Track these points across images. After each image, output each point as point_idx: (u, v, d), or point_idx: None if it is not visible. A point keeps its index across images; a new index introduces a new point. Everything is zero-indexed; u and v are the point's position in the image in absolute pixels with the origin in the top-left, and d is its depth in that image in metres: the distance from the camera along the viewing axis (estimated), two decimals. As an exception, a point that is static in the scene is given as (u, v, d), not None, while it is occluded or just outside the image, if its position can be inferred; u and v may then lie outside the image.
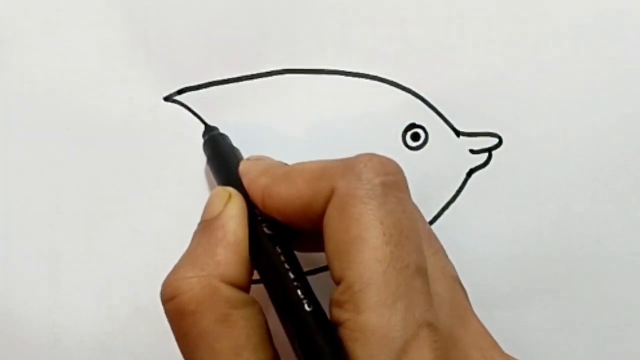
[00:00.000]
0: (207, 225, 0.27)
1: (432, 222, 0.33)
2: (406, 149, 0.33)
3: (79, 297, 0.33)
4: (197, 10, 0.32)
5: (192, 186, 0.33)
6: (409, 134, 0.33)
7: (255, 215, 0.27)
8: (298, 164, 0.28)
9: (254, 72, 0.32)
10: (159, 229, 0.33)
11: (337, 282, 0.24)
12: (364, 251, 0.23)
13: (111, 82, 0.32)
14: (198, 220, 0.32)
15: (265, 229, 0.27)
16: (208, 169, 0.32)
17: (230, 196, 0.27)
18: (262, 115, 0.33)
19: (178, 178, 0.33)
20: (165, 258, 0.32)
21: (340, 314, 0.24)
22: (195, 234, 0.27)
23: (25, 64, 0.32)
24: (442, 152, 0.33)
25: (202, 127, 0.33)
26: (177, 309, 0.25)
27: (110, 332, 0.33)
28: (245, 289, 0.26)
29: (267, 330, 0.26)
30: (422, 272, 0.24)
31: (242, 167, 0.29)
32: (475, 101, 0.32)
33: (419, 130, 0.33)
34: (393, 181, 0.25)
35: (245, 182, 0.28)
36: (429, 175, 0.33)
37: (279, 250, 0.26)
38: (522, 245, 0.33)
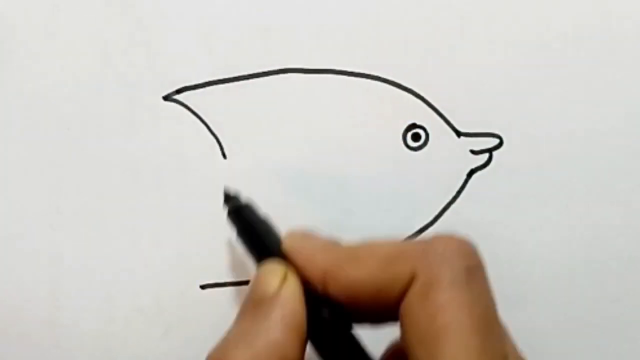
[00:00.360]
0: (260, 303, 0.25)
1: (432, 222, 0.33)
2: (407, 149, 0.33)
3: (79, 297, 0.33)
4: (196, 9, 0.32)
5: (191, 186, 0.33)
6: (409, 134, 0.33)
7: (315, 296, 0.26)
8: (364, 243, 0.26)
9: (254, 71, 0.32)
10: (158, 229, 0.33)
11: None
12: (453, 342, 0.22)
13: (110, 82, 0.32)
14: (198, 219, 0.33)
15: (326, 313, 0.25)
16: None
17: (286, 274, 0.26)
18: (262, 114, 0.33)
19: (177, 178, 0.33)
20: (165, 258, 0.33)
21: None
22: (246, 309, 0.26)
23: (25, 64, 0.32)
24: (442, 153, 0.33)
25: (203, 127, 0.33)
26: None
27: (111, 332, 0.33)
28: None
29: None
30: None
31: (291, 244, 0.27)
32: (476, 102, 0.32)
33: (420, 131, 0.33)
34: (476, 265, 0.24)
35: (301, 261, 0.26)
36: (429, 175, 0.33)
37: (342, 336, 0.25)
38: (522, 245, 0.33)
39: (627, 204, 0.33)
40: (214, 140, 0.33)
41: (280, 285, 0.25)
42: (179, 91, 0.33)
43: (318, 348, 0.25)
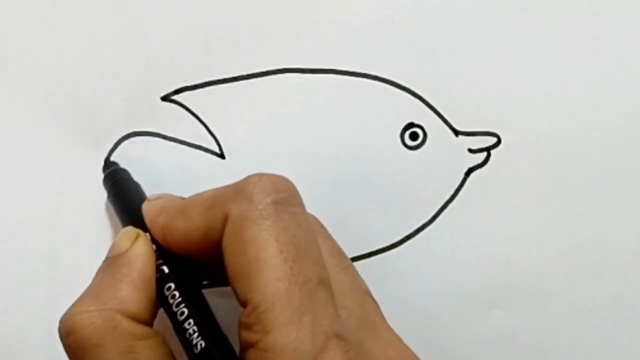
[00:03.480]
0: (112, 262, 0.27)
1: (430, 221, 0.33)
2: (405, 149, 0.33)
3: (78, 297, 0.33)
4: (194, 9, 0.32)
5: (190, 186, 0.33)
6: (407, 133, 0.33)
7: (166, 256, 0.27)
8: (192, 196, 0.28)
9: (252, 71, 0.32)
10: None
11: (243, 306, 0.24)
12: (264, 272, 0.24)
13: (109, 82, 0.32)
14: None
15: (164, 268, 0.27)
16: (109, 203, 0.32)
17: (138, 235, 0.28)
18: (260, 115, 0.33)
19: (177, 178, 0.33)
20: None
21: (249, 336, 0.24)
22: (100, 270, 0.27)
23: (25, 64, 0.32)
24: (440, 152, 0.33)
25: (201, 127, 0.33)
26: (78, 343, 0.25)
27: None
28: (149, 324, 0.26)
29: (174, 359, 0.26)
30: (325, 284, 0.25)
31: (144, 209, 0.29)
32: (474, 100, 0.32)
33: (418, 130, 0.33)
34: (284, 198, 0.25)
35: (147, 223, 0.28)
36: (427, 174, 0.33)
37: (174, 289, 0.26)
38: (521, 244, 0.33)
39: (627, 204, 0.33)
40: (213, 140, 0.33)
41: (131, 244, 0.27)
42: (177, 91, 0.33)
43: (162, 305, 0.27)
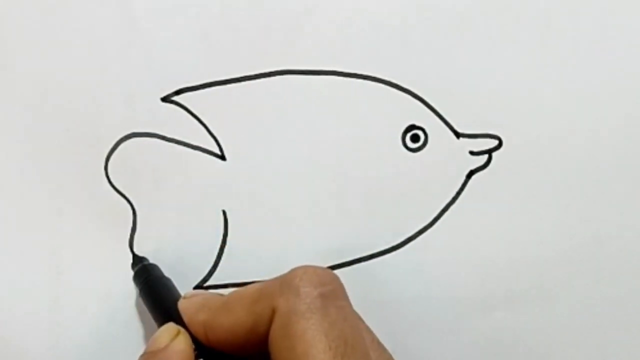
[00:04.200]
0: (150, 357, 0.27)
1: (431, 223, 0.33)
2: (406, 151, 0.33)
3: (79, 297, 0.33)
4: (195, 10, 0.32)
5: (190, 187, 0.33)
6: (408, 135, 0.33)
7: (199, 352, 0.28)
8: (235, 291, 0.28)
9: (253, 72, 0.32)
10: (160, 229, 0.33)
11: None
12: None
13: (109, 83, 0.32)
14: (197, 220, 0.33)
15: None
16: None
17: (178, 332, 0.28)
18: (261, 116, 0.33)
19: (177, 179, 0.33)
20: (166, 258, 0.33)
21: None
22: None
23: (25, 65, 0.32)
24: (442, 154, 0.33)
25: (201, 128, 0.32)
26: None
27: (111, 332, 0.33)
28: None
29: None
30: None
31: (181, 307, 0.29)
32: (476, 103, 0.32)
33: (419, 132, 0.33)
34: (331, 291, 0.25)
35: (186, 320, 0.28)
36: (428, 177, 0.33)
37: None
38: (522, 247, 0.33)
39: (627, 204, 0.33)
40: (213, 142, 0.33)
41: (170, 341, 0.27)
42: (177, 92, 0.32)
43: None
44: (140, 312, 0.33)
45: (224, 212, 0.33)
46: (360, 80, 0.32)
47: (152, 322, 0.32)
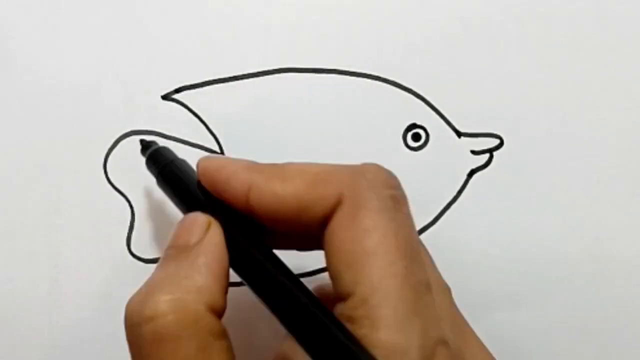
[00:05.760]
0: (184, 250, 0.25)
1: (432, 222, 0.33)
2: (407, 150, 0.33)
3: (78, 296, 0.33)
4: (195, 8, 0.32)
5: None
6: (409, 134, 0.33)
7: (236, 232, 0.26)
8: (291, 163, 0.25)
9: (254, 70, 0.32)
10: (158, 227, 0.33)
11: (346, 296, 0.23)
12: (380, 265, 0.22)
13: (110, 81, 0.32)
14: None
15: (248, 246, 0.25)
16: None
17: (210, 223, 0.25)
18: (261, 114, 0.33)
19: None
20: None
21: (353, 330, 0.22)
22: (169, 258, 0.25)
23: (25, 64, 0.32)
24: (443, 153, 0.33)
25: (201, 126, 0.32)
26: (156, 332, 0.22)
27: (111, 332, 0.33)
28: (221, 318, 0.24)
29: None
30: (430, 288, 0.23)
31: (207, 165, 0.26)
32: (477, 102, 0.32)
33: (420, 131, 0.33)
34: (401, 195, 0.25)
35: (222, 177, 0.26)
36: (429, 175, 0.33)
37: (267, 261, 0.25)
38: (523, 246, 0.33)
39: (627, 204, 0.33)
40: (213, 139, 0.33)
41: (204, 234, 0.25)
42: (178, 90, 0.32)
43: (250, 282, 0.25)
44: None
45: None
46: (361, 79, 0.32)
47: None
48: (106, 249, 0.33)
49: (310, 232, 0.24)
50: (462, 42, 0.32)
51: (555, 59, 0.32)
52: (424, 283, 0.23)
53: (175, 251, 0.25)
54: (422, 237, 0.33)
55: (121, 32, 0.32)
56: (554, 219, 0.33)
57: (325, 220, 0.24)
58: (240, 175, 0.25)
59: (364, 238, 0.23)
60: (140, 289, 0.24)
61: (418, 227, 0.33)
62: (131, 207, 0.33)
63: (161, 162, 0.29)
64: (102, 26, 0.32)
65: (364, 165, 0.25)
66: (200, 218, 0.26)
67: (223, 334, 0.24)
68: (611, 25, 0.32)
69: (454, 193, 0.33)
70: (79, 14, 0.32)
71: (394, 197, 0.24)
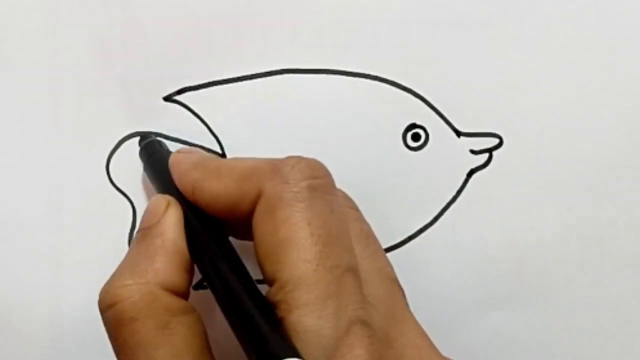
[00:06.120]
0: (145, 233, 0.27)
1: (432, 222, 0.33)
2: (406, 149, 0.33)
3: (80, 297, 0.33)
4: (197, 9, 0.32)
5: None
6: (409, 134, 0.33)
7: (192, 216, 0.27)
8: (229, 159, 0.28)
9: (254, 72, 0.32)
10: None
11: (270, 284, 0.24)
12: (293, 252, 0.24)
13: (111, 82, 0.32)
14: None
15: (200, 229, 0.27)
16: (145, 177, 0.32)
17: (168, 204, 0.28)
18: (262, 115, 0.33)
19: (178, 178, 0.33)
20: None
21: (277, 314, 0.24)
22: (133, 242, 0.27)
23: (25, 64, 0.32)
24: (442, 153, 0.33)
25: (203, 127, 0.33)
26: (116, 316, 0.25)
27: (111, 332, 0.33)
28: (185, 296, 0.26)
29: (206, 339, 0.26)
30: (353, 271, 0.25)
31: (173, 160, 0.29)
32: (476, 101, 0.32)
33: (420, 131, 0.33)
34: (320, 184, 0.26)
35: (177, 175, 0.28)
36: (429, 175, 0.33)
37: (216, 248, 0.26)
38: (523, 246, 0.33)
39: (627, 204, 0.33)
40: (215, 141, 0.33)
41: (162, 215, 0.27)
42: (179, 92, 0.33)
43: (200, 268, 0.27)
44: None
45: (225, 212, 0.33)
46: (361, 79, 0.32)
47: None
48: (108, 249, 0.33)
49: (244, 224, 0.26)
50: (462, 41, 0.32)
51: (555, 58, 0.32)
52: (342, 266, 0.24)
53: (140, 234, 0.27)
54: (422, 236, 0.33)
55: (123, 32, 0.32)
56: (553, 219, 0.33)
57: (251, 214, 0.26)
58: (187, 173, 0.28)
59: (278, 229, 0.24)
60: (110, 277, 0.26)
61: (417, 227, 0.33)
62: (133, 207, 0.33)
63: (149, 152, 0.31)
64: (102, 27, 0.32)
65: (285, 158, 0.26)
66: (160, 199, 0.28)
67: (184, 310, 0.25)
68: (611, 25, 0.32)
69: (454, 193, 0.33)
70: (79, 15, 0.32)
71: (312, 186, 0.25)
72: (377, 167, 0.33)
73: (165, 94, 0.33)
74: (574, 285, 0.33)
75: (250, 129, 0.33)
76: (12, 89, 0.32)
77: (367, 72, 0.32)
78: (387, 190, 0.33)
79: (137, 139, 0.33)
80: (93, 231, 0.33)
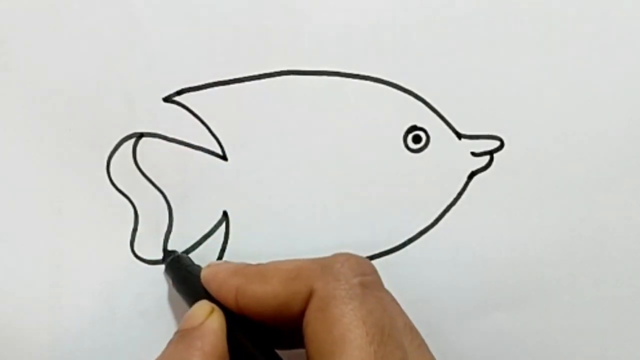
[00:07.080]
0: (184, 335, 0.27)
1: (433, 224, 0.33)
2: (407, 152, 0.33)
3: (80, 297, 0.33)
4: (197, 10, 0.32)
5: (192, 188, 0.33)
6: (410, 136, 0.33)
7: (236, 326, 0.28)
8: (271, 263, 0.28)
9: (254, 73, 0.32)
10: (163, 230, 0.33)
11: None
12: (349, 352, 0.24)
13: (111, 83, 0.32)
14: (198, 221, 0.33)
15: (240, 336, 0.27)
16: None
17: (212, 309, 0.28)
18: (263, 116, 0.33)
19: (178, 180, 0.33)
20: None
21: None
22: (172, 342, 0.27)
23: (25, 64, 0.32)
24: (443, 155, 0.33)
25: (203, 128, 0.33)
26: None
27: (111, 333, 0.33)
28: None
29: None
30: None
31: (207, 272, 0.29)
32: (477, 104, 0.32)
33: (421, 133, 0.33)
34: (371, 281, 0.26)
35: (215, 285, 0.29)
36: (430, 177, 0.33)
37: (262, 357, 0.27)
38: (523, 248, 0.33)
39: (627, 205, 0.33)
40: (215, 142, 0.33)
41: (205, 319, 0.27)
42: (179, 92, 0.32)
43: None
44: (141, 312, 0.33)
45: (226, 213, 0.33)
46: (362, 81, 0.32)
47: (154, 322, 0.32)
48: (109, 250, 0.33)
49: (292, 327, 0.26)
50: (462, 43, 0.32)
51: (556, 60, 0.32)
52: None
53: (178, 335, 0.27)
54: (423, 239, 0.33)
55: (123, 34, 0.32)
56: (553, 220, 0.33)
57: (302, 314, 0.26)
58: (228, 281, 0.28)
59: (333, 327, 0.24)
60: None
61: (418, 228, 0.33)
62: (134, 208, 0.33)
63: (176, 269, 0.32)
64: (103, 27, 0.32)
65: (335, 255, 0.27)
66: (204, 304, 0.28)
67: None
68: (611, 25, 0.32)
69: (455, 195, 0.33)
70: (80, 15, 0.32)
71: (363, 283, 0.25)
72: (378, 169, 0.33)
73: (165, 94, 0.32)
74: (574, 286, 0.33)
75: (251, 131, 0.33)
76: (12, 90, 0.32)
77: (368, 74, 0.32)
78: (387, 192, 0.33)
79: (138, 141, 0.33)
80: (93, 232, 0.33)
